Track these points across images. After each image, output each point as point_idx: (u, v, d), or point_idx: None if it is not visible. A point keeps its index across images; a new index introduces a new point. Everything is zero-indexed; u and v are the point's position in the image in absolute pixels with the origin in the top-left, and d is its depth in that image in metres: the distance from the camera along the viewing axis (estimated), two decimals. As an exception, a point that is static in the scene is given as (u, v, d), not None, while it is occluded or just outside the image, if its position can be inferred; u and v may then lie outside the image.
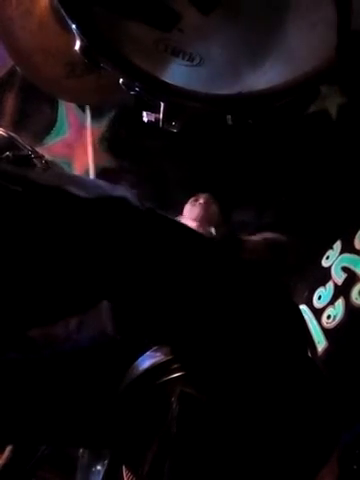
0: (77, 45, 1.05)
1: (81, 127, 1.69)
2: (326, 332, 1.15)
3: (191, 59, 1.02)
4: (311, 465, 0.75)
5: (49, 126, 1.70)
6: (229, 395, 0.72)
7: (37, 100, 1.64)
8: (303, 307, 1.21)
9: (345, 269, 1.18)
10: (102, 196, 0.70)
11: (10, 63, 1.59)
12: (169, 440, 0.75)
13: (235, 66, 1.03)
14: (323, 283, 1.21)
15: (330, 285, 1.19)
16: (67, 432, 0.94)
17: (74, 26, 1.01)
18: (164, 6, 1.00)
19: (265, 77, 1.02)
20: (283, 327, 0.75)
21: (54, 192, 0.68)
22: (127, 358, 0.85)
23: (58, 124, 1.71)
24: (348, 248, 1.20)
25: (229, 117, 1.08)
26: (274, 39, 1.02)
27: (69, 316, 0.91)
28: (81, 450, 1.24)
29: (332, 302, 1.17)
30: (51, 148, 1.69)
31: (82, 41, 1.03)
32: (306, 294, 1.23)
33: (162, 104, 1.06)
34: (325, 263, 1.24)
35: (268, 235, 1.43)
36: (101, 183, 0.74)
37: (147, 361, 0.83)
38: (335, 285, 1.18)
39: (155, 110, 1.08)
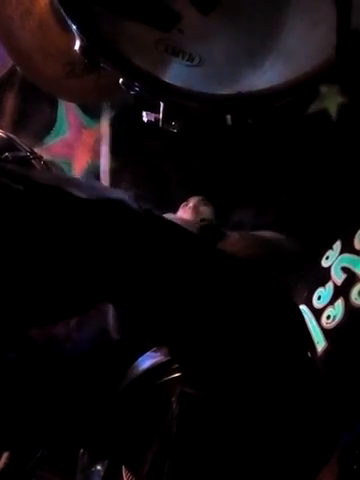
0: (77, 45, 1.05)
1: (81, 127, 1.69)
2: (326, 332, 1.15)
3: (191, 59, 1.02)
4: (311, 465, 0.75)
5: (49, 126, 1.70)
6: (229, 395, 0.72)
7: (37, 100, 1.64)
8: (303, 307, 1.21)
9: (345, 269, 1.18)
10: (101, 198, 0.70)
11: (10, 63, 1.60)
12: (169, 440, 0.75)
13: (235, 66, 1.03)
14: (323, 283, 1.21)
15: (330, 285, 1.19)
16: (67, 432, 0.94)
17: (74, 26, 1.01)
18: (164, 6, 1.00)
19: (265, 77, 1.02)
20: (283, 327, 0.75)
21: (55, 192, 0.68)
22: (127, 358, 0.85)
23: (58, 124, 1.71)
24: (348, 248, 1.20)
25: (229, 117, 1.08)
26: (274, 39, 1.02)
27: (69, 317, 0.91)
28: (81, 450, 1.24)
29: (332, 302, 1.16)
30: (51, 148, 1.69)
31: (82, 41, 1.03)
32: (306, 294, 1.23)
33: (162, 104, 1.06)
34: (325, 263, 1.24)
35: (266, 233, 1.43)
36: (98, 185, 0.74)
37: (147, 361, 0.83)
38: (335, 285, 1.18)
39: (155, 110, 1.08)
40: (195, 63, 1.02)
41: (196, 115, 1.13)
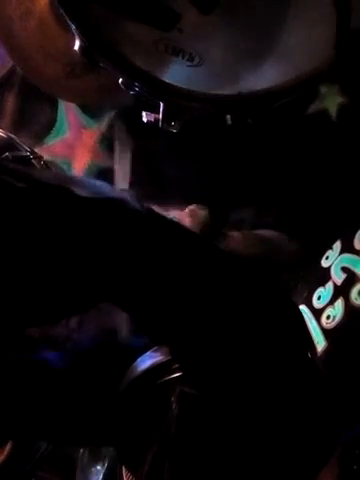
0: (77, 45, 1.05)
1: (81, 127, 1.69)
2: (326, 332, 1.15)
3: (191, 59, 1.02)
4: (311, 465, 0.74)
5: (49, 126, 1.70)
6: (229, 395, 0.72)
7: (37, 100, 1.64)
8: (302, 307, 1.21)
9: (345, 269, 1.18)
10: (103, 196, 0.70)
11: (10, 63, 1.59)
12: (169, 440, 0.75)
13: (235, 66, 1.03)
14: (323, 283, 1.21)
15: (330, 285, 1.19)
16: (67, 431, 0.94)
17: (74, 26, 1.01)
18: (164, 6, 1.00)
19: (265, 77, 1.02)
20: (283, 327, 0.75)
21: (57, 190, 0.68)
22: (127, 358, 0.85)
23: (58, 124, 1.70)
24: (348, 248, 1.20)
25: (228, 117, 1.08)
26: (274, 39, 1.02)
27: (69, 316, 0.91)
28: (81, 450, 1.24)
29: (332, 302, 1.16)
30: (51, 148, 1.69)
31: (82, 41, 1.03)
32: (305, 294, 1.23)
33: (161, 104, 1.06)
34: (325, 263, 1.23)
35: (267, 233, 1.43)
36: (100, 184, 0.74)
37: (147, 361, 0.83)
38: (335, 285, 1.18)
39: (155, 110, 1.08)
40: (195, 63, 1.02)
41: (196, 115, 1.13)
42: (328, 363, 1.14)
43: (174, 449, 0.74)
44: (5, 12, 1.36)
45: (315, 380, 0.76)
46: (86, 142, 1.70)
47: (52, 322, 0.79)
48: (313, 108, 1.44)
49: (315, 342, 1.15)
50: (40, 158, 1.28)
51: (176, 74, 1.02)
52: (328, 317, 1.16)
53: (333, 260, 1.22)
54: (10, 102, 1.66)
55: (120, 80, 1.06)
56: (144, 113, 1.11)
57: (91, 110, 1.67)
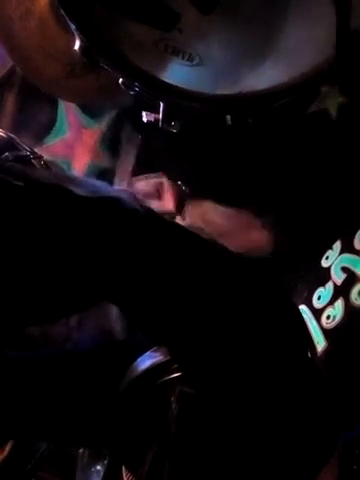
0: (77, 45, 1.05)
1: (81, 127, 1.69)
2: (326, 332, 1.15)
3: (191, 59, 1.02)
4: (311, 465, 0.74)
5: (49, 126, 1.70)
6: (229, 395, 0.72)
7: (37, 100, 1.64)
8: (302, 307, 1.21)
9: (345, 269, 1.18)
10: (101, 196, 0.70)
11: (10, 63, 1.59)
12: (169, 440, 0.75)
13: (235, 66, 1.03)
14: (323, 283, 1.21)
15: (330, 285, 1.19)
16: (67, 431, 0.94)
17: (74, 26, 1.01)
18: (164, 6, 1.00)
19: (265, 77, 1.02)
20: (282, 327, 0.75)
21: (55, 189, 0.68)
22: (127, 358, 0.85)
23: (58, 124, 1.70)
24: (348, 248, 1.20)
25: (228, 117, 1.08)
26: (274, 39, 1.02)
27: (68, 315, 0.91)
28: (81, 450, 1.24)
29: (332, 302, 1.16)
30: (51, 148, 1.69)
31: (82, 41, 1.03)
32: (305, 294, 1.23)
33: (161, 104, 1.06)
34: (325, 263, 1.23)
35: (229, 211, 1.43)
36: (98, 184, 0.74)
37: (147, 361, 0.83)
38: (335, 285, 1.18)
39: (155, 110, 1.08)
40: (195, 63, 1.02)
41: (196, 115, 1.13)
42: (328, 363, 1.14)
43: (174, 449, 0.74)
44: (5, 12, 1.36)
45: (315, 380, 0.76)
46: (86, 142, 1.69)
47: (51, 321, 0.79)
48: (313, 108, 1.44)
49: (315, 342, 1.15)
50: (40, 158, 1.28)
51: (176, 74, 1.02)
52: (328, 317, 1.16)
53: (333, 260, 1.22)
54: (10, 102, 1.66)
55: (120, 80, 1.06)
56: (144, 113, 1.11)
57: (91, 110, 1.67)
